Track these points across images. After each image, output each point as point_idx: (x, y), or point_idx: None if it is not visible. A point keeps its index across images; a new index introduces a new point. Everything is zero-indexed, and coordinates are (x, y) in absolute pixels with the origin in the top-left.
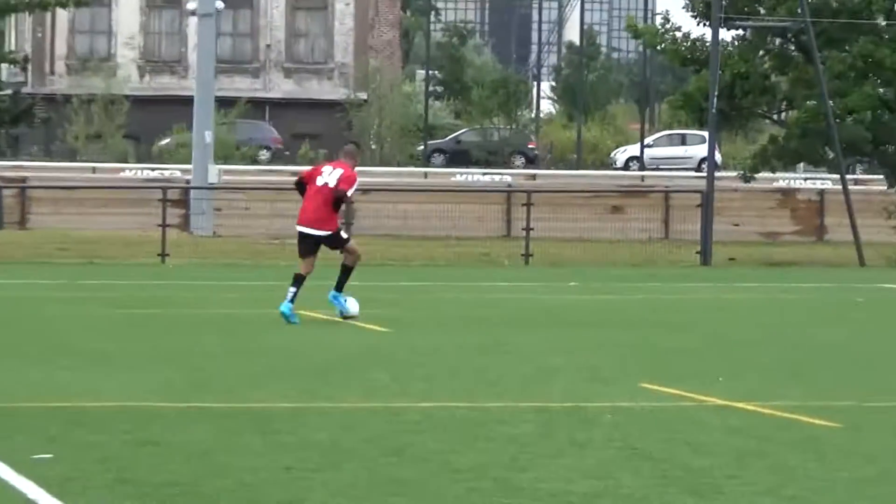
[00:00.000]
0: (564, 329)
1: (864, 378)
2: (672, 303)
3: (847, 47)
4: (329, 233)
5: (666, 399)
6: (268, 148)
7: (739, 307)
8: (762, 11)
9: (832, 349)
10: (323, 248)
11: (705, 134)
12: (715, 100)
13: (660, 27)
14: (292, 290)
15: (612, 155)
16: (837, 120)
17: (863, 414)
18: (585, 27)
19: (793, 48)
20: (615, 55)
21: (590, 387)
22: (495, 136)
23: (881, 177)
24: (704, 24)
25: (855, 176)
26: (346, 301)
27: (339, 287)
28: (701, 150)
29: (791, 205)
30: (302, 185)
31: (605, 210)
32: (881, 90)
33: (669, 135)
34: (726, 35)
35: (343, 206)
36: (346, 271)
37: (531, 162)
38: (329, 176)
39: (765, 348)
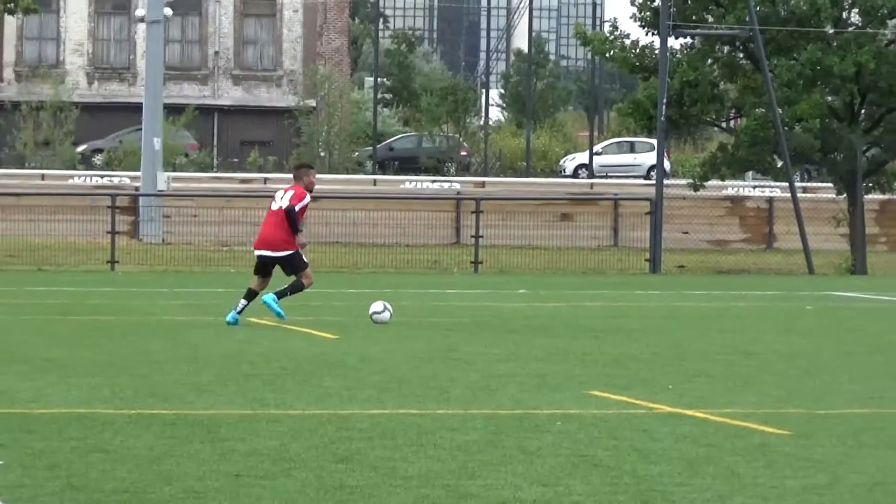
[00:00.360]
0: (513, 336)
1: (813, 386)
2: (621, 310)
3: (795, 55)
4: (287, 253)
5: (615, 406)
6: (185, 155)
7: (688, 315)
8: (710, 20)
9: (782, 357)
10: None
11: (654, 142)
12: (663, 107)
13: (608, 34)
14: (243, 302)
15: (560, 162)
16: (786, 128)
17: (813, 421)
18: (534, 35)
19: (741, 56)
20: (564, 63)
21: (539, 394)
22: (428, 143)
23: (830, 185)
24: (653, 34)
25: (804, 184)
26: (281, 311)
27: (282, 295)
28: (650, 158)
29: (740, 213)
30: None
31: (555, 218)
32: (829, 98)
33: (619, 142)
34: (675, 43)
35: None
36: (296, 288)
37: (465, 169)
38: (281, 199)
39: (714, 356)
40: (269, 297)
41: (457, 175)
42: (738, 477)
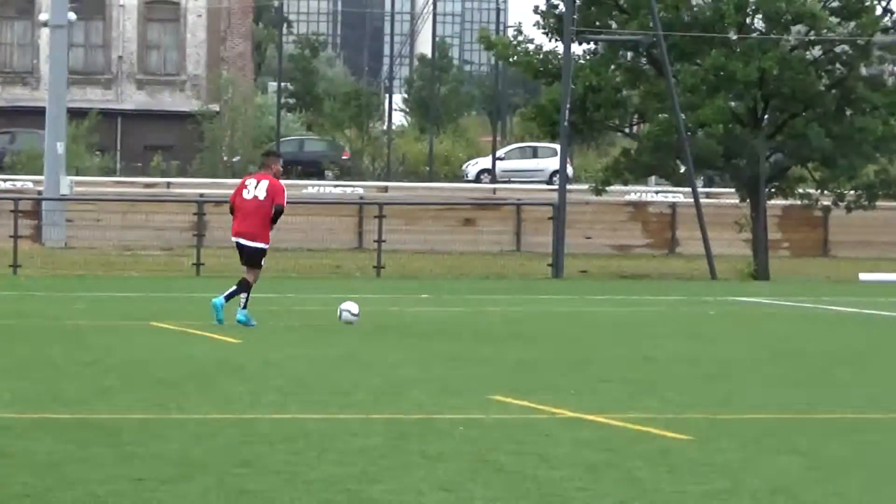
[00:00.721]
0: (416, 341)
1: (715, 391)
2: (524, 315)
3: (699, 61)
4: (260, 245)
5: (517, 411)
6: None
7: (591, 320)
8: (614, 25)
9: (684, 362)
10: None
11: (556, 147)
12: (567, 113)
13: (512, 40)
14: (243, 295)
15: (463, 167)
16: (689, 133)
17: (714, 427)
18: (438, 40)
19: (645, 62)
20: (467, 68)
21: (441, 399)
22: (310, 147)
23: (733, 190)
24: (556, 39)
25: (706, 189)
26: (222, 316)
27: (229, 298)
28: (552, 163)
29: (643, 218)
30: (233, 208)
31: (458, 222)
32: (733, 104)
33: (521, 147)
34: (578, 49)
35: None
36: (244, 286)
37: (345, 173)
38: (256, 189)
39: (617, 361)
40: (217, 302)
41: (338, 179)
42: (639, 482)
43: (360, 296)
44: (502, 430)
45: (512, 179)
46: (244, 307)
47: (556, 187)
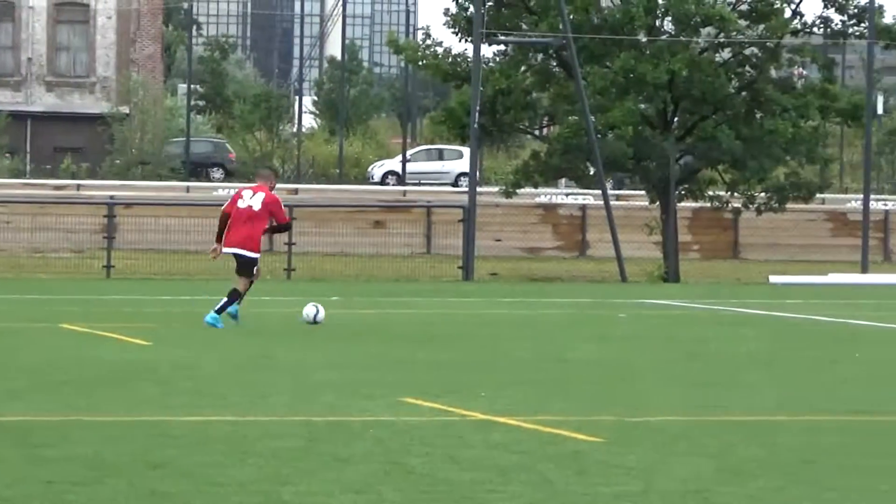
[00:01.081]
0: (327, 343)
1: (626, 393)
2: (434, 318)
3: (609, 63)
4: (253, 255)
5: (428, 414)
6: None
7: (502, 322)
8: (524, 27)
9: (595, 364)
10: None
11: (463, 149)
12: (477, 115)
13: (421, 43)
14: (224, 300)
15: (369, 169)
16: (599, 135)
17: (625, 429)
18: (347, 42)
19: (555, 64)
20: (377, 70)
21: (353, 401)
22: (196, 148)
23: (643, 192)
24: (466, 40)
25: (616, 192)
26: (221, 323)
27: (222, 310)
28: (458, 165)
29: (553, 220)
30: (226, 218)
31: (368, 225)
32: (643, 106)
33: (427, 149)
34: (488, 51)
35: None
36: (237, 296)
37: (230, 174)
38: (251, 199)
39: (527, 363)
40: (210, 316)
41: (224, 180)
42: (550, 484)
43: (272, 297)
44: (413, 433)
45: (420, 182)
46: (218, 312)
47: (466, 190)
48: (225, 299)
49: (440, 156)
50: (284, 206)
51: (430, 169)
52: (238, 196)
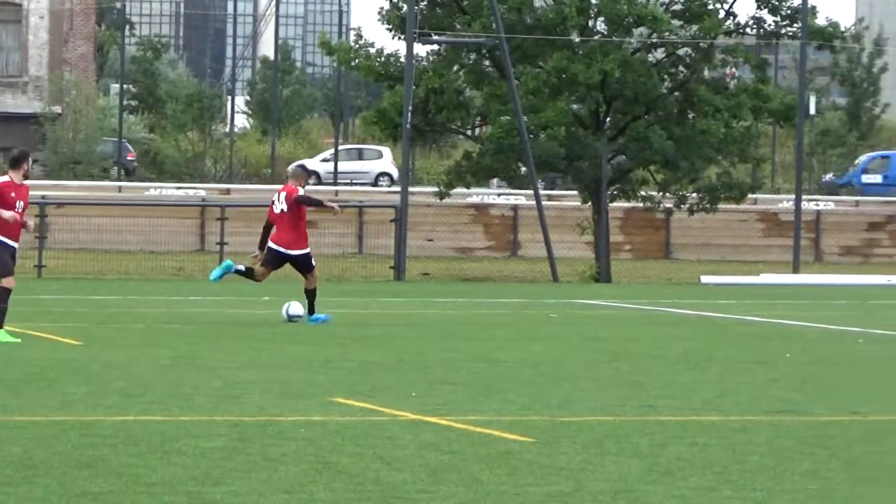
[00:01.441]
0: (257, 343)
1: (557, 393)
2: (365, 318)
3: (541, 63)
4: (298, 252)
5: (359, 413)
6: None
7: (433, 322)
8: (457, 27)
9: (526, 364)
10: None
11: (383, 149)
12: (409, 115)
13: (353, 44)
14: (241, 268)
15: (288, 169)
16: (531, 135)
17: (556, 429)
18: (280, 42)
19: (487, 63)
20: (310, 70)
21: (283, 401)
22: (99, 147)
23: (575, 192)
24: (400, 38)
25: (549, 192)
26: (325, 316)
27: (312, 311)
28: (378, 165)
29: (485, 220)
30: (269, 226)
31: None
32: (575, 106)
33: (347, 149)
34: (421, 50)
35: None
36: (312, 295)
37: (130, 174)
38: (280, 202)
39: (458, 363)
40: (309, 319)
41: (125, 179)
42: (481, 484)
43: (203, 297)
44: (344, 433)
45: (354, 182)
46: (311, 313)
47: (396, 189)
48: (308, 303)
49: (360, 155)
50: (217, 205)
51: (349, 168)
52: (273, 202)
